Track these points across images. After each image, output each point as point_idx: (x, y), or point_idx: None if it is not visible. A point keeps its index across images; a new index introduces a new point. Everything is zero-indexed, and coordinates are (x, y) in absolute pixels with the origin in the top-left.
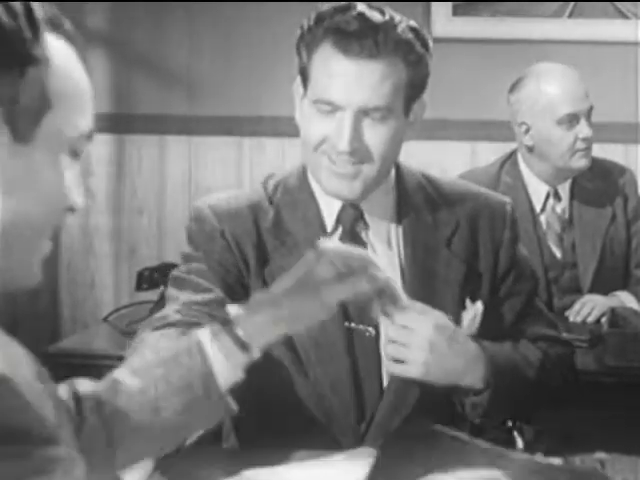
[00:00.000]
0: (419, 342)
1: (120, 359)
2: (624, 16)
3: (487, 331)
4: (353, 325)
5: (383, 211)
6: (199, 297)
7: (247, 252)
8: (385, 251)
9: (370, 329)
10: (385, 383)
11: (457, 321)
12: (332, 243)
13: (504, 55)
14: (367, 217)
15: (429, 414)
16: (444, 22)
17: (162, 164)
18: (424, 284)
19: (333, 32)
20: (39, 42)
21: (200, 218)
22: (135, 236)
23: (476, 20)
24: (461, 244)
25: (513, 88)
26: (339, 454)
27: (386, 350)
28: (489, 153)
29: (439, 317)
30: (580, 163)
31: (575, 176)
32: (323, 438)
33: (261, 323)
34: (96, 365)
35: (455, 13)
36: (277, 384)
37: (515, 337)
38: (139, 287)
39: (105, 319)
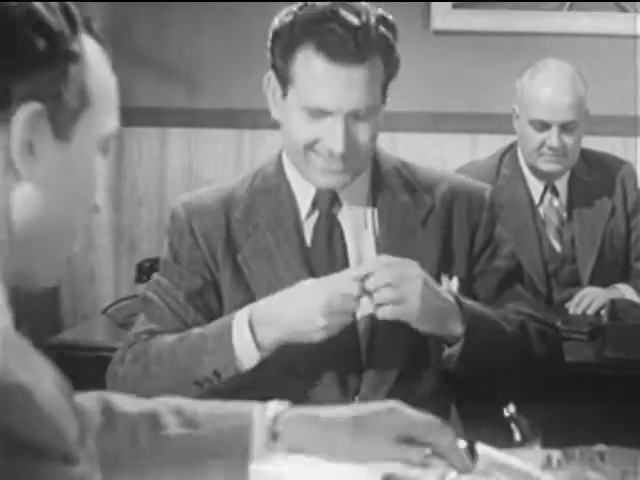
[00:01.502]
0: (414, 288)
1: None
2: (623, 9)
3: None
4: None
5: (359, 194)
6: (153, 326)
7: (216, 246)
8: (361, 230)
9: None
10: (364, 361)
11: None
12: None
13: (504, 48)
14: (343, 199)
15: (410, 388)
16: (444, 15)
17: (162, 157)
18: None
19: (313, 36)
20: (78, 40)
21: (173, 216)
22: (135, 229)
23: (476, 13)
24: (437, 224)
25: (520, 73)
26: None
27: (382, 293)
28: (489, 146)
29: (419, 269)
30: (547, 167)
31: (573, 170)
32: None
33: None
34: (96, 357)
35: (455, 6)
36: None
37: None
38: (139, 279)
39: (104, 311)
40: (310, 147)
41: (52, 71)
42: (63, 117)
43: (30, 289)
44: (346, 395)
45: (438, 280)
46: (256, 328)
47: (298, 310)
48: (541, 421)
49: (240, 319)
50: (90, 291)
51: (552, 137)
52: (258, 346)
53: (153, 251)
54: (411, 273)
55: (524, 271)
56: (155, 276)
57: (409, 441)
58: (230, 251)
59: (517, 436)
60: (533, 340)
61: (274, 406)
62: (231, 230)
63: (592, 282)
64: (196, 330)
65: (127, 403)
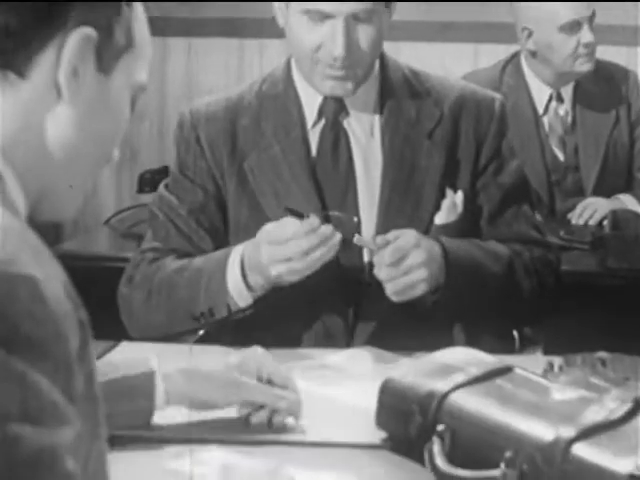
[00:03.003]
0: (418, 262)
1: (121, 261)
2: None
3: (466, 224)
4: (330, 213)
5: (366, 101)
6: (157, 243)
7: (222, 156)
8: (367, 139)
9: (354, 218)
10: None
11: (437, 208)
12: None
13: None
14: (349, 107)
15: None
16: None
17: (162, 67)
18: (404, 174)
19: None
20: None
21: (180, 124)
22: (136, 140)
23: None
24: (443, 135)
25: None
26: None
27: (396, 281)
28: (492, 55)
29: (414, 234)
30: (583, 67)
31: (578, 79)
32: (313, 325)
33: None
34: (98, 267)
35: None
36: None
37: (495, 237)
38: (141, 190)
39: (107, 222)
40: (314, 54)
41: (110, 5)
42: (109, 51)
43: (47, 219)
44: (336, 344)
45: (442, 193)
46: (246, 271)
47: (269, 254)
48: (543, 329)
49: (234, 260)
50: (92, 204)
51: (586, 34)
52: (249, 288)
53: (154, 162)
54: (412, 246)
55: (532, 190)
56: (161, 189)
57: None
58: (236, 160)
59: (517, 342)
60: (521, 277)
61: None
62: (237, 138)
63: (595, 192)
64: (196, 261)
65: None
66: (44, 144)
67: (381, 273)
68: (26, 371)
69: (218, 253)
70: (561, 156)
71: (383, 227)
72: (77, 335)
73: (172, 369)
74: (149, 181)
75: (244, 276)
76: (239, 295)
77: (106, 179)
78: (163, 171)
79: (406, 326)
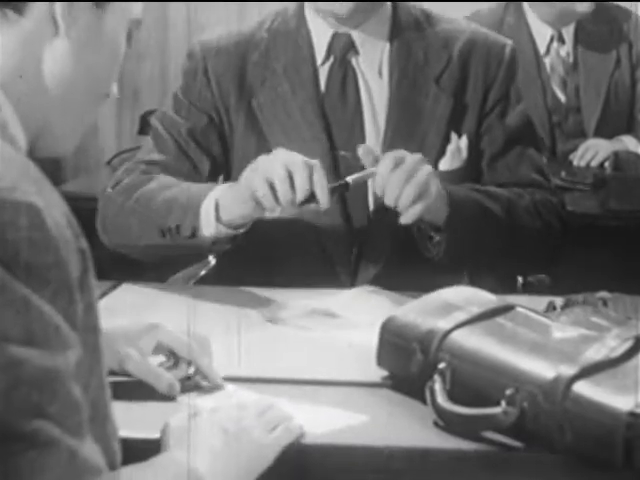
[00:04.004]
0: (423, 182)
1: None
2: None
3: (469, 172)
4: (341, 153)
5: (375, 41)
6: (158, 157)
7: (229, 90)
8: (375, 79)
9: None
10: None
11: (441, 154)
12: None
13: None
14: (358, 46)
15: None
16: None
17: (163, 7)
18: (409, 117)
19: None
20: None
21: (190, 55)
22: (138, 81)
23: None
24: (451, 80)
25: None
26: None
27: (407, 192)
28: None
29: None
30: (584, 7)
31: (579, 20)
32: (318, 265)
33: None
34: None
35: None
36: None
37: (495, 180)
38: (142, 131)
39: (108, 163)
40: None
41: None
42: None
43: (46, 155)
44: (340, 285)
45: (447, 138)
46: (220, 201)
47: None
48: (545, 270)
49: (217, 190)
50: (93, 145)
51: None
52: (218, 218)
53: (156, 103)
54: (416, 166)
55: (538, 136)
56: (164, 108)
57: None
58: (244, 96)
59: (520, 280)
60: (522, 217)
61: None
62: (246, 74)
63: (597, 133)
64: (185, 183)
65: None
66: (42, 78)
67: (386, 185)
68: (29, 296)
69: (209, 184)
70: (562, 97)
71: None
72: (78, 263)
73: None
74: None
75: (216, 209)
76: (207, 221)
77: (107, 120)
78: None
79: (410, 268)
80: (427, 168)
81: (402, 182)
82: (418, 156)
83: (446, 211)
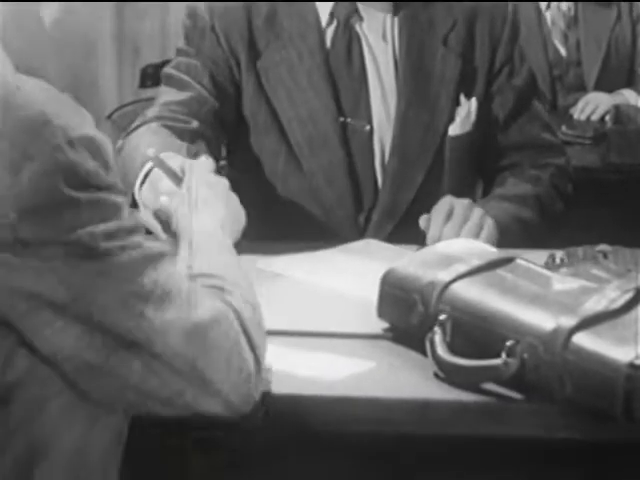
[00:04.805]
0: (476, 226)
1: None
2: None
3: (478, 136)
4: (348, 120)
5: (379, 5)
6: (181, 96)
7: (237, 47)
8: (380, 44)
9: (366, 125)
10: (379, 178)
11: (451, 118)
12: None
13: None
14: (362, 11)
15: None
16: None
17: None
18: (418, 80)
19: None
20: None
21: (194, 14)
22: (139, 37)
23: None
24: (458, 41)
25: None
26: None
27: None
28: None
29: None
30: None
31: None
32: (322, 232)
33: None
34: None
35: None
36: (271, 178)
37: (507, 145)
38: (143, 84)
39: (109, 117)
40: None
41: None
42: None
43: None
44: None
45: (457, 102)
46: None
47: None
48: (545, 224)
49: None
50: (94, 100)
51: None
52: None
53: (156, 57)
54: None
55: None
56: (174, 61)
57: None
58: (251, 56)
59: None
60: (550, 208)
61: None
62: (253, 35)
63: (597, 87)
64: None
65: None
66: (39, 24)
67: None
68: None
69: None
70: (563, 51)
71: (400, 138)
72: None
73: None
74: (151, 76)
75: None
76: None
77: (108, 74)
78: (166, 65)
79: (417, 237)
80: (478, 211)
81: (457, 233)
82: (466, 201)
83: (496, 238)
